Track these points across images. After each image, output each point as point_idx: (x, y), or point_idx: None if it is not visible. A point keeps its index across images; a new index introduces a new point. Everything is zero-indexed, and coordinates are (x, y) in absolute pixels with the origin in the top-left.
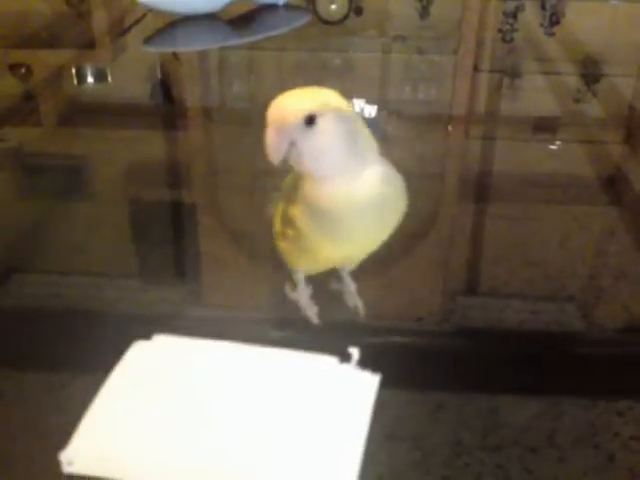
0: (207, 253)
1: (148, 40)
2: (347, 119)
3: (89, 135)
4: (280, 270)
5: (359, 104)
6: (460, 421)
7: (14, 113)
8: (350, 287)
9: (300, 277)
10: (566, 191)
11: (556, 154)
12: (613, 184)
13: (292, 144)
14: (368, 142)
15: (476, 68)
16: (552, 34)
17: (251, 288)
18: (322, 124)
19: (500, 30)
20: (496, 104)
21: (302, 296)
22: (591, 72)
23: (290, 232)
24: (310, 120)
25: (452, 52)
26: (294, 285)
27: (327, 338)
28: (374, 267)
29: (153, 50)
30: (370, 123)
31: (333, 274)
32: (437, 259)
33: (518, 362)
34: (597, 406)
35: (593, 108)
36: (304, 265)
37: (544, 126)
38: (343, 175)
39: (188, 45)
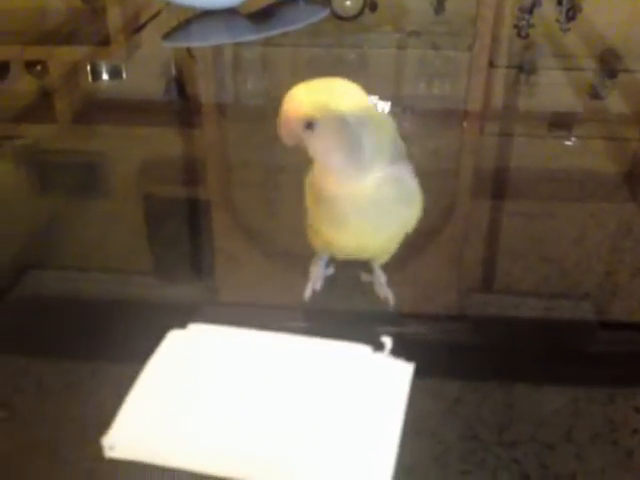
0: (224, 248)
1: (167, 36)
2: (348, 123)
3: (104, 132)
4: (302, 261)
5: (372, 100)
6: (477, 416)
7: (30, 110)
8: (380, 279)
9: (320, 257)
10: (583, 188)
11: (572, 150)
12: (630, 181)
13: (300, 139)
14: (380, 142)
15: (491, 64)
16: (568, 29)
17: (274, 281)
18: (320, 130)
19: (516, 26)
20: (512, 100)
21: (314, 272)
22: (608, 67)
23: (307, 215)
24: (309, 125)
25: (467, 48)
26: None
27: (352, 328)
28: (389, 262)
29: (172, 45)
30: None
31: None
32: (452, 255)
33: (535, 358)
34: (615, 402)
35: (610, 104)
36: (321, 248)
37: (560, 122)
38: (347, 174)
39: (207, 40)
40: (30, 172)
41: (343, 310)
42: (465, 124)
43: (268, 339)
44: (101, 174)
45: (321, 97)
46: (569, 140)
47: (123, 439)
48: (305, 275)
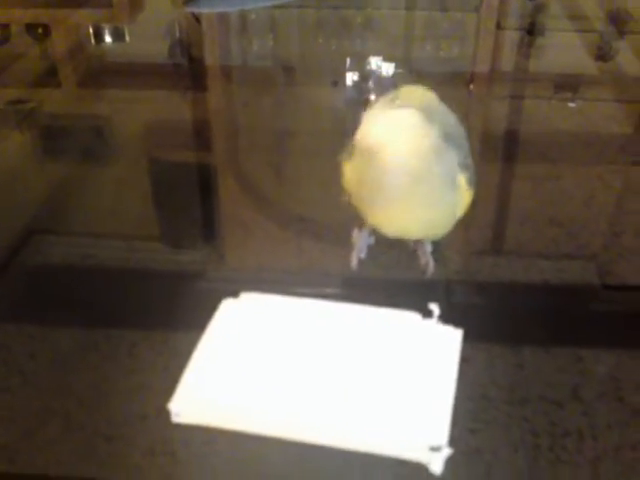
0: (245, 215)
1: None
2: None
3: (109, 95)
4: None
5: (377, 62)
6: (487, 376)
7: (33, 74)
8: (425, 247)
9: (365, 226)
10: (590, 150)
11: (580, 112)
12: (637, 142)
13: None
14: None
15: (499, 26)
16: None
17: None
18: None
19: None
20: (519, 62)
21: (357, 241)
22: (615, 30)
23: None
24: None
25: (475, 9)
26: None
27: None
28: None
29: (195, 10)
30: (388, 82)
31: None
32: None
33: (544, 319)
34: (621, 361)
35: (617, 65)
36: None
37: (568, 84)
38: None
39: (231, 5)
40: (35, 137)
41: (385, 279)
42: (472, 86)
43: (319, 307)
44: (106, 138)
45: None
46: (576, 102)
47: (188, 405)
48: (348, 245)
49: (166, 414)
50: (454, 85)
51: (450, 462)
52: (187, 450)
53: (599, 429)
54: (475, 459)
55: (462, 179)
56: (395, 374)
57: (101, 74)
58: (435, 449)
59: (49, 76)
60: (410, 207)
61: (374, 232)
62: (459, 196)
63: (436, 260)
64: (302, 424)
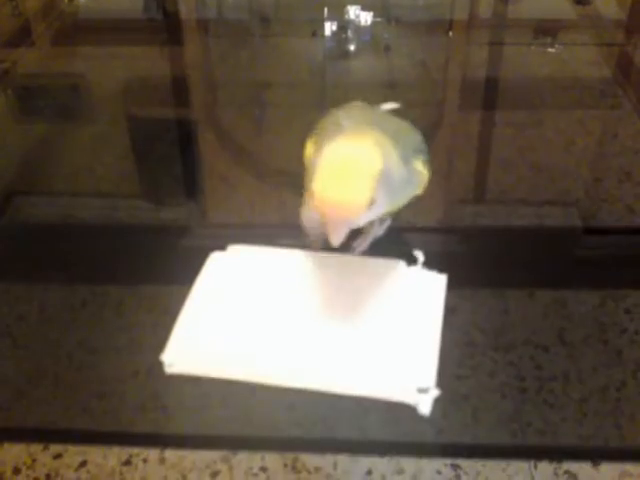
0: (225, 169)
1: None
2: (390, 170)
3: (83, 53)
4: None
5: (355, 11)
6: (472, 322)
7: (4, 33)
8: (375, 228)
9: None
10: (570, 95)
11: (559, 57)
12: (616, 87)
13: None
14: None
15: None
16: None
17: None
18: (378, 200)
19: None
20: (497, 8)
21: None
22: None
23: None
24: (371, 203)
25: None
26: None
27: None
28: None
29: None
30: (365, 32)
31: None
32: (441, 167)
33: (527, 265)
34: (605, 305)
35: (596, 9)
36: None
37: (547, 29)
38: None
39: None
40: (11, 98)
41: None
42: (451, 34)
43: (305, 257)
44: (84, 96)
45: (368, 167)
46: (556, 47)
47: (181, 355)
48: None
49: (157, 369)
50: (433, 33)
51: (438, 408)
52: (179, 403)
53: (585, 372)
54: (463, 405)
55: (418, 162)
56: (382, 319)
57: (75, 31)
58: (423, 391)
59: (22, 35)
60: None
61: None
62: (415, 177)
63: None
64: (292, 370)
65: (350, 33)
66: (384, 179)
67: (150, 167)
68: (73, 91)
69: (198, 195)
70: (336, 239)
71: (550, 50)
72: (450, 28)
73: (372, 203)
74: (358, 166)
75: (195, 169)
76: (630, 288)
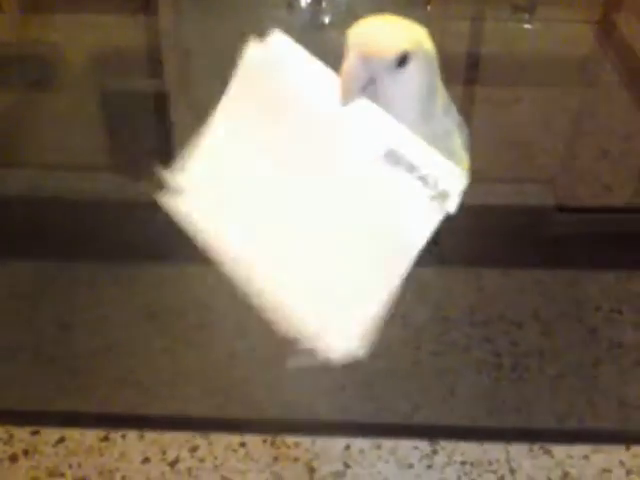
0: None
1: None
2: (434, 66)
3: (54, 21)
4: None
5: None
6: (448, 299)
7: None
8: None
9: None
10: (547, 72)
11: (536, 33)
12: (593, 63)
13: (371, 81)
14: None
15: None
16: None
17: None
18: (413, 68)
19: None
20: None
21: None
22: None
23: None
24: (403, 61)
25: None
26: None
27: None
28: None
29: None
30: (341, 4)
31: None
32: None
33: (503, 242)
34: (579, 283)
35: None
36: None
37: (524, 5)
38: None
39: None
40: None
41: None
42: (429, 7)
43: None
44: (55, 66)
45: (412, 31)
46: (533, 23)
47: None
48: None
49: (132, 346)
50: (411, 6)
51: (416, 384)
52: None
53: (559, 348)
54: (439, 380)
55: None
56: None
57: None
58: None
59: None
60: None
61: None
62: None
63: None
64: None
65: (325, 4)
66: (423, 65)
67: (122, 138)
68: (44, 61)
69: (170, 168)
70: (347, 92)
71: (527, 26)
72: (428, 2)
73: (405, 60)
74: (401, 24)
75: (167, 141)
76: (605, 266)
